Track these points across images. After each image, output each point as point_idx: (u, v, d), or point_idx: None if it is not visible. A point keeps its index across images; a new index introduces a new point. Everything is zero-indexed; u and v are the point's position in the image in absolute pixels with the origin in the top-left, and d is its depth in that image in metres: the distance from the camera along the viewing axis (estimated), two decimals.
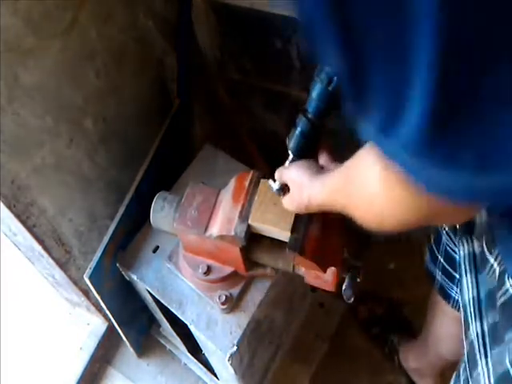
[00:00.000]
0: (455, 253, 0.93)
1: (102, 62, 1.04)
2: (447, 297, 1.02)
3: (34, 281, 1.48)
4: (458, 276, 0.95)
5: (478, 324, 0.72)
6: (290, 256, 0.86)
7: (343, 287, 0.87)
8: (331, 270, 0.85)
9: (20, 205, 0.99)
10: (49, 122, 0.97)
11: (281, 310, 1.25)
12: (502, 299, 0.65)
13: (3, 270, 1.61)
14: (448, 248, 0.95)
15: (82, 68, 1.01)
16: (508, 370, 0.62)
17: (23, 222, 1.02)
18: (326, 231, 0.87)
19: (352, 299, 0.87)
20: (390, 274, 1.61)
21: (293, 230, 0.85)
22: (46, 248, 1.11)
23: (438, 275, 1.01)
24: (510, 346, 0.61)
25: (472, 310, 0.74)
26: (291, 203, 0.78)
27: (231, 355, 0.99)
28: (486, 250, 0.76)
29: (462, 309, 0.79)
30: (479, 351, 0.70)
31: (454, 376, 0.83)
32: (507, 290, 0.64)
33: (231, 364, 1.01)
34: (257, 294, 1.03)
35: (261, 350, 1.23)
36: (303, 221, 0.86)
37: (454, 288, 0.98)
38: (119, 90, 1.12)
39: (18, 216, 1.00)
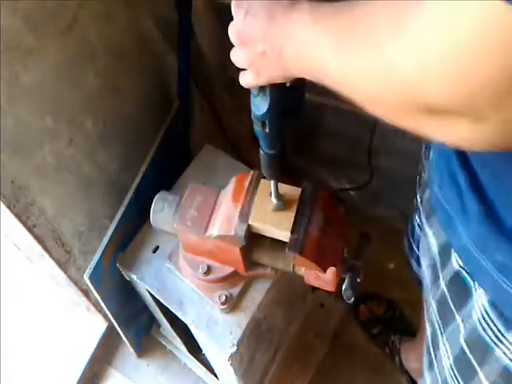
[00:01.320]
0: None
1: (102, 62, 1.04)
2: (420, 283, 1.02)
3: (34, 281, 1.48)
4: None
5: (431, 300, 0.71)
6: (290, 256, 0.86)
7: (343, 287, 0.87)
8: (331, 270, 0.85)
9: (20, 205, 0.99)
10: (49, 122, 0.97)
11: (281, 310, 1.25)
12: (448, 276, 0.63)
13: (3, 270, 1.61)
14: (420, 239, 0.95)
15: (81, 68, 1.00)
16: (463, 349, 0.61)
17: (23, 222, 1.02)
18: (326, 231, 0.87)
19: (352, 299, 0.87)
20: (390, 274, 1.61)
21: (293, 230, 0.85)
22: (46, 248, 1.11)
23: (414, 264, 1.02)
24: (464, 324, 0.60)
25: (427, 286, 0.73)
26: (245, 53, 0.54)
27: (231, 355, 0.99)
28: (424, 220, 0.74)
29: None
30: (438, 332, 0.69)
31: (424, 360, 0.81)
32: (452, 266, 0.62)
33: (231, 364, 1.01)
34: (257, 294, 1.03)
35: (261, 350, 1.23)
36: (303, 221, 0.86)
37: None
38: (119, 90, 1.12)
39: (18, 216, 1.00)
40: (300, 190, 0.89)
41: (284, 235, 0.86)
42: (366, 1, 0.40)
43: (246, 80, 0.58)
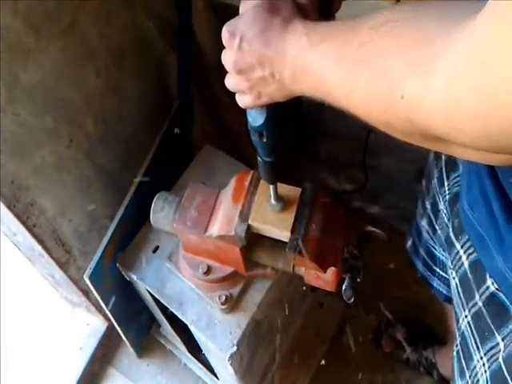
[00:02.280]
0: (435, 249, 0.94)
1: (102, 62, 1.04)
2: (430, 285, 1.01)
3: (34, 281, 1.48)
4: (438, 270, 0.96)
5: (465, 314, 0.70)
6: (290, 256, 0.86)
7: (343, 287, 0.87)
8: (331, 270, 0.85)
9: (20, 205, 0.99)
10: (49, 122, 0.97)
11: (281, 310, 1.25)
12: (485, 296, 0.63)
13: (3, 270, 1.61)
14: (429, 245, 0.95)
15: (82, 68, 1.00)
16: (501, 368, 0.61)
17: (23, 222, 1.02)
18: (326, 231, 0.87)
19: (352, 299, 0.87)
20: (390, 274, 1.61)
21: (293, 230, 0.85)
22: (46, 248, 1.11)
23: (420, 266, 1.02)
24: (505, 343, 0.61)
25: (458, 299, 0.73)
26: (243, 80, 0.53)
27: (231, 355, 0.99)
28: (451, 234, 0.73)
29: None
30: (471, 344, 0.69)
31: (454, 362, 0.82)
32: (488, 288, 0.62)
33: (231, 364, 1.01)
34: (257, 294, 1.03)
35: (261, 350, 1.23)
36: (303, 221, 0.86)
37: (436, 280, 0.98)
38: (119, 90, 1.12)
39: (17, 216, 1.00)
40: (300, 190, 0.89)
41: (284, 235, 0.86)
42: (367, 27, 0.39)
43: (244, 102, 0.57)
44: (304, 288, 1.35)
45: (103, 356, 1.54)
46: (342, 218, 0.91)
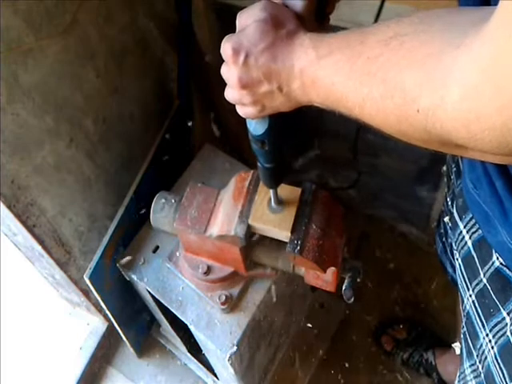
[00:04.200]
0: None
1: (102, 62, 1.04)
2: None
3: (34, 281, 1.48)
4: None
5: (470, 294, 0.71)
6: (290, 256, 0.86)
7: (343, 287, 0.87)
8: (331, 269, 0.85)
9: (20, 205, 0.99)
10: (49, 122, 0.97)
11: (281, 310, 1.25)
12: (488, 273, 0.64)
13: (3, 270, 1.61)
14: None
15: (82, 68, 1.00)
16: (510, 341, 0.61)
17: (23, 222, 1.02)
18: (326, 231, 0.87)
19: (352, 299, 0.87)
20: (390, 274, 1.61)
21: (293, 230, 0.85)
22: (45, 248, 1.11)
23: (449, 267, 1.00)
24: (511, 316, 0.61)
25: (462, 280, 0.73)
26: (247, 95, 0.53)
27: (231, 355, 0.99)
28: (455, 214, 0.74)
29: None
30: (477, 322, 0.69)
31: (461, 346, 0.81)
32: (493, 263, 0.62)
33: (231, 364, 1.01)
34: (257, 294, 1.03)
35: (261, 350, 1.23)
36: (303, 221, 0.86)
37: None
38: (119, 90, 1.12)
39: (18, 216, 1.00)
40: (300, 190, 0.89)
41: (284, 235, 0.86)
42: (375, 41, 0.39)
43: (246, 113, 0.56)
44: (304, 288, 1.35)
45: (103, 356, 1.54)
46: (342, 218, 0.91)
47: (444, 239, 1.00)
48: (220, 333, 1.01)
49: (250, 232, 0.88)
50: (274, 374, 1.44)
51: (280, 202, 0.86)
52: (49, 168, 1.02)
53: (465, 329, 0.75)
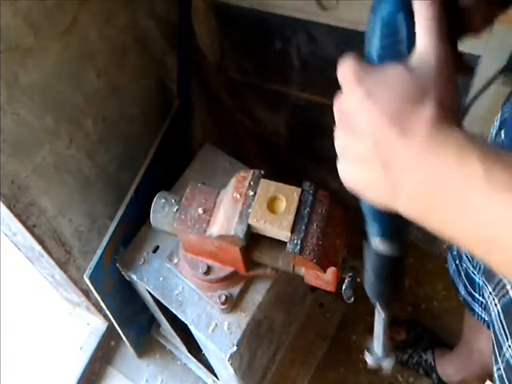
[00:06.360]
0: (475, 275, 0.91)
1: (102, 62, 1.04)
2: (471, 310, 0.99)
3: (34, 281, 1.48)
4: (477, 296, 0.94)
5: (509, 344, 0.69)
6: (290, 256, 0.86)
7: (343, 287, 0.87)
8: (331, 269, 0.85)
9: (20, 205, 0.99)
10: (49, 122, 0.97)
11: (281, 310, 1.25)
12: None
13: (3, 270, 1.61)
14: (468, 270, 0.93)
15: (82, 68, 1.01)
16: None
17: (23, 222, 1.02)
18: (326, 231, 0.87)
19: (352, 299, 0.86)
20: None
21: (293, 230, 0.85)
22: (46, 248, 1.11)
23: (462, 289, 0.99)
24: None
25: (500, 327, 0.72)
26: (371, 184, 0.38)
27: (231, 355, 0.99)
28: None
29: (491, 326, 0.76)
30: (504, 337, 0.68)
31: None
32: None
33: (231, 364, 1.01)
34: (257, 294, 1.03)
35: (261, 350, 1.23)
36: (303, 221, 0.86)
37: (477, 305, 0.96)
38: (119, 90, 1.12)
39: (18, 216, 1.00)
40: (300, 190, 0.89)
41: (284, 235, 0.86)
42: None
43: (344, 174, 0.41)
44: (304, 288, 1.35)
45: (103, 356, 1.54)
46: (342, 218, 0.91)
47: (458, 262, 0.98)
48: (220, 333, 1.01)
49: (250, 232, 0.88)
50: (274, 374, 1.44)
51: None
52: (49, 168, 1.02)
53: (502, 373, 0.73)
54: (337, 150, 0.41)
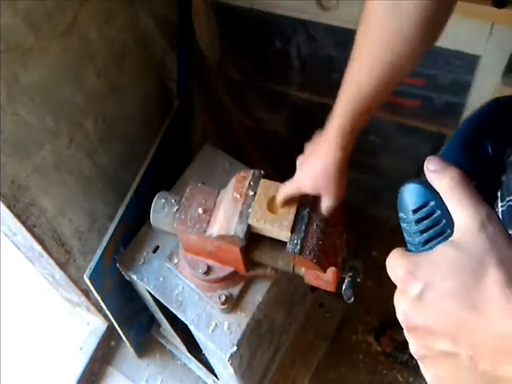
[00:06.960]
0: None
1: (102, 62, 1.04)
2: None
3: (34, 281, 1.48)
4: None
5: None
6: (290, 256, 0.86)
7: (343, 287, 0.87)
8: (331, 269, 0.85)
9: (20, 205, 0.99)
10: (49, 122, 0.97)
11: (281, 310, 1.25)
12: None
13: (3, 270, 1.61)
14: None
15: (82, 68, 1.01)
16: None
17: (23, 222, 1.02)
18: (326, 231, 0.87)
19: (352, 299, 0.86)
20: None
21: (293, 230, 0.85)
22: (46, 248, 1.11)
23: None
24: None
25: None
26: (414, 344, 0.39)
27: (231, 355, 0.99)
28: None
29: None
30: None
31: None
32: None
33: (231, 364, 1.01)
34: (257, 294, 1.03)
35: (261, 350, 1.23)
36: (303, 221, 0.86)
37: None
38: (119, 89, 1.12)
39: (17, 216, 1.00)
40: None
41: (284, 235, 0.86)
42: None
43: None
44: (304, 288, 1.35)
45: (103, 356, 1.54)
46: (342, 218, 0.91)
47: None
48: (220, 333, 1.01)
49: (249, 232, 0.88)
50: (273, 374, 1.44)
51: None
52: (49, 168, 1.02)
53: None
54: (415, 356, 0.39)
